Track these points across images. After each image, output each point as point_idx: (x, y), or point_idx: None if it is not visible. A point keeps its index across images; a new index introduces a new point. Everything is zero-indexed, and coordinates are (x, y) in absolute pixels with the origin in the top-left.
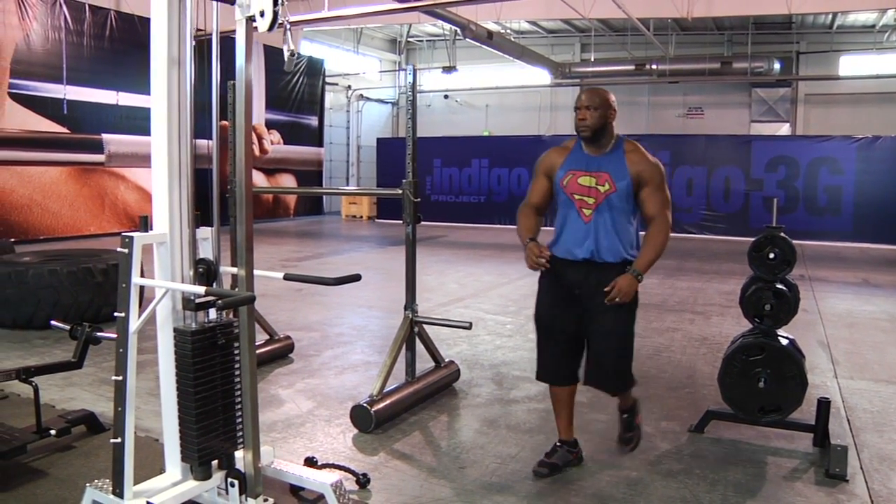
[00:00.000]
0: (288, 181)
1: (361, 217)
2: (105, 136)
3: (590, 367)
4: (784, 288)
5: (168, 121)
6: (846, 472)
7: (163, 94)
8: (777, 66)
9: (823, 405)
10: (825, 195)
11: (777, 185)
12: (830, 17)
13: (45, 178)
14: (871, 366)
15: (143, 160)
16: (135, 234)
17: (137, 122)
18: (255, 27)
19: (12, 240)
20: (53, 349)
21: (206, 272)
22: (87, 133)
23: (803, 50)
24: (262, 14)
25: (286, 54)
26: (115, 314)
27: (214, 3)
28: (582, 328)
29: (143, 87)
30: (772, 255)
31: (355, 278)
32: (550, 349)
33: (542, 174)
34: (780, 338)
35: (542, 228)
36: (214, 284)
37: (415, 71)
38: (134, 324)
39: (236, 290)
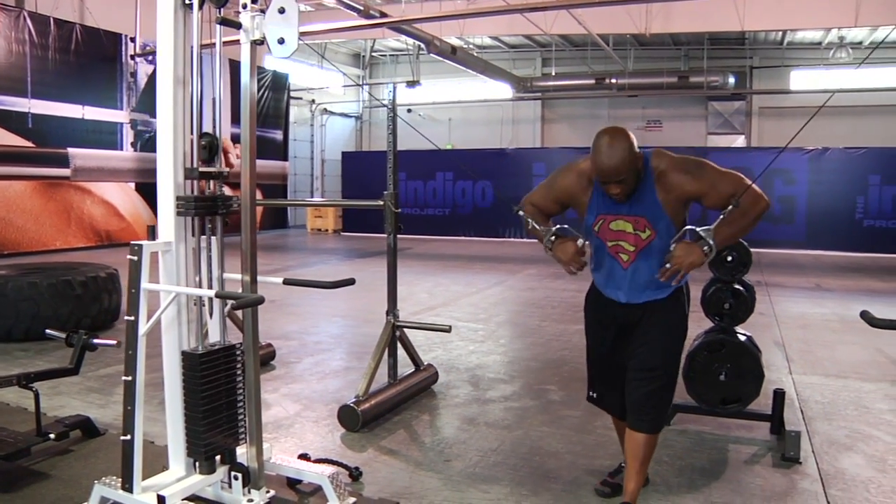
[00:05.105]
0: None
1: (327, 230)
2: (71, 150)
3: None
4: (741, 288)
5: (174, 135)
6: (799, 455)
7: (168, 111)
8: (732, 80)
9: (779, 395)
10: (780, 205)
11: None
12: (781, 34)
13: (10, 192)
14: (822, 362)
15: (110, 174)
16: (143, 243)
17: (104, 136)
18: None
19: None
20: (35, 360)
21: (208, 145)
22: (52, 147)
23: (756, 65)
24: (281, 41)
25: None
26: (126, 318)
27: (219, 25)
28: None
29: (110, 101)
30: (729, 258)
31: (350, 282)
32: (604, 376)
33: (554, 200)
34: (738, 334)
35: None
36: (222, 286)
37: (394, 87)
38: (143, 327)
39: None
